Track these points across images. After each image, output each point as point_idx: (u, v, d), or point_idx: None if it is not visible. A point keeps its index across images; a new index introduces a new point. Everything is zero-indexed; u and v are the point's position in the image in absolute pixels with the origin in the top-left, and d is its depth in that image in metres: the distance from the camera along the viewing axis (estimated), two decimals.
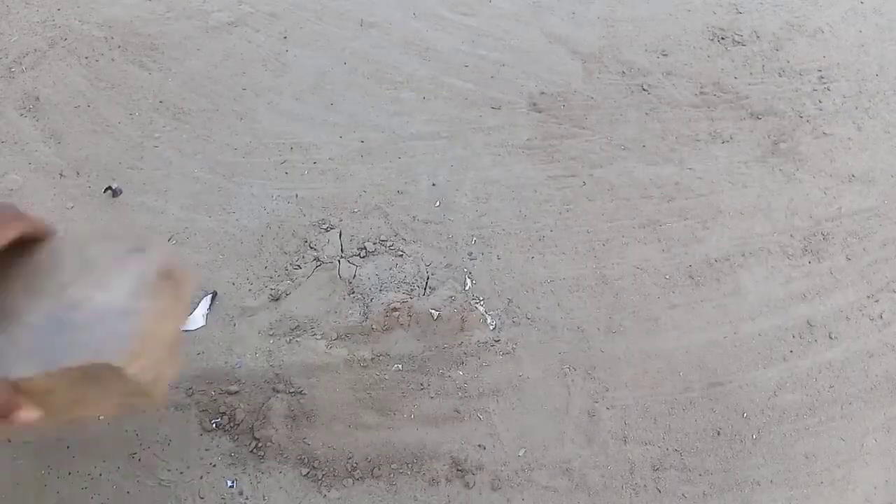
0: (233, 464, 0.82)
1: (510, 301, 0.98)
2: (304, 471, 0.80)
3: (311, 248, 1.01)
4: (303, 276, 0.98)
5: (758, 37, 1.32)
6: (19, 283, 0.65)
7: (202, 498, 0.80)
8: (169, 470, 0.81)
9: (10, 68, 1.19)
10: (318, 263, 0.99)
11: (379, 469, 0.81)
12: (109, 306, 0.64)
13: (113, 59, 1.21)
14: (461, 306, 0.95)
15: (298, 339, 0.92)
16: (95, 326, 0.63)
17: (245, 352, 0.92)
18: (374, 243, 1.02)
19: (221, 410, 0.87)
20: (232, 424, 0.86)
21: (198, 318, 0.93)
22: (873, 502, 0.86)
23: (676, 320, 0.99)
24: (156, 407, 0.69)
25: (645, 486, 0.85)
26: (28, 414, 0.59)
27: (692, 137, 1.18)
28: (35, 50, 1.22)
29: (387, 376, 0.89)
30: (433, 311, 0.92)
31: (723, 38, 1.31)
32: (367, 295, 0.94)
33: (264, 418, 0.86)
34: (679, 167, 1.14)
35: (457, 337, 0.92)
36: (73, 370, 0.61)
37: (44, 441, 0.83)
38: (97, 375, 0.63)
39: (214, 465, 0.82)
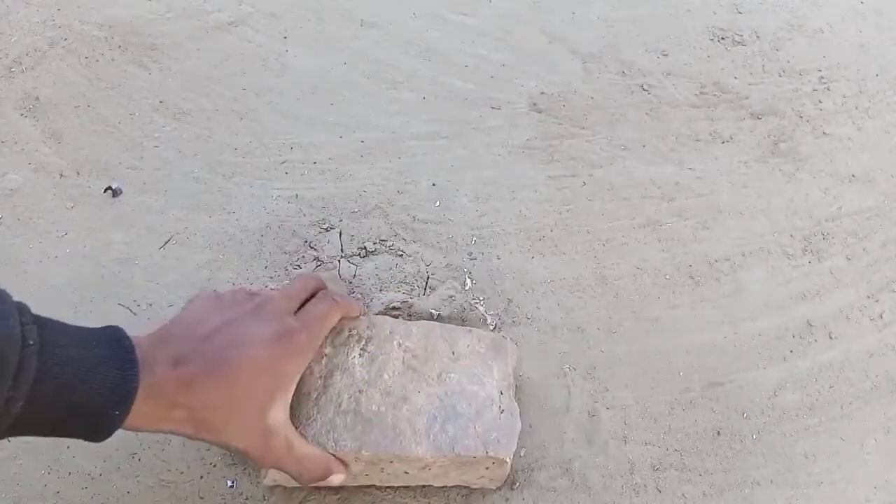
0: (233, 464, 0.82)
1: (510, 301, 0.98)
2: None
3: (311, 248, 1.01)
4: None
5: (758, 37, 1.32)
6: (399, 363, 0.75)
7: (202, 498, 0.80)
8: (169, 470, 0.81)
9: (10, 68, 1.19)
10: (319, 263, 0.99)
11: None
12: (487, 401, 0.74)
13: (113, 59, 1.22)
14: (461, 306, 0.95)
15: None
16: (480, 418, 0.72)
17: None
18: (374, 243, 1.02)
19: None
20: None
21: None
22: (873, 502, 0.86)
23: (676, 320, 0.99)
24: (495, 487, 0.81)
25: (645, 486, 0.85)
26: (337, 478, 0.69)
27: (692, 137, 1.18)
28: (35, 50, 1.22)
29: None
30: (433, 311, 0.92)
31: (723, 38, 1.31)
32: (368, 295, 0.95)
33: None
34: (679, 167, 1.14)
35: None
36: (462, 457, 0.70)
37: (43, 441, 0.83)
38: (471, 463, 0.72)
39: (214, 465, 0.82)
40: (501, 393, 0.75)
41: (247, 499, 0.80)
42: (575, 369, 0.93)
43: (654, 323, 0.98)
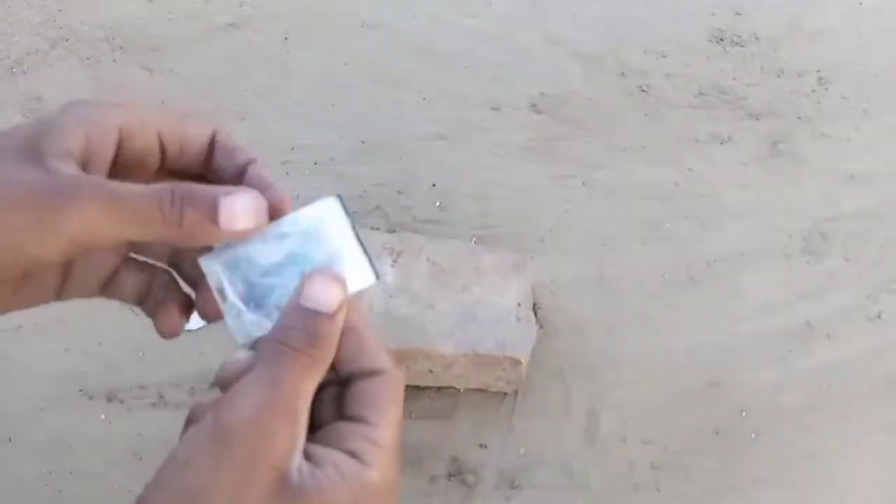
0: None
1: None
2: None
3: None
4: None
5: (757, 38, 1.32)
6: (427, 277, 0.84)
7: None
8: None
9: (12, 69, 1.19)
10: None
11: None
12: (506, 310, 0.82)
13: (114, 61, 1.22)
14: None
15: None
16: (499, 324, 0.81)
17: None
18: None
19: None
20: None
21: (198, 318, 0.93)
22: (873, 502, 0.87)
23: (676, 320, 0.99)
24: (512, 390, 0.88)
25: (645, 485, 0.86)
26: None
27: (692, 138, 1.18)
28: (36, 51, 1.22)
29: None
30: None
31: (722, 40, 1.31)
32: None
33: None
34: (679, 168, 1.15)
35: None
36: (481, 356, 0.79)
37: (44, 441, 0.84)
38: (489, 364, 0.80)
39: None
40: (519, 304, 0.84)
41: None
42: (575, 369, 0.93)
43: (654, 323, 0.98)
